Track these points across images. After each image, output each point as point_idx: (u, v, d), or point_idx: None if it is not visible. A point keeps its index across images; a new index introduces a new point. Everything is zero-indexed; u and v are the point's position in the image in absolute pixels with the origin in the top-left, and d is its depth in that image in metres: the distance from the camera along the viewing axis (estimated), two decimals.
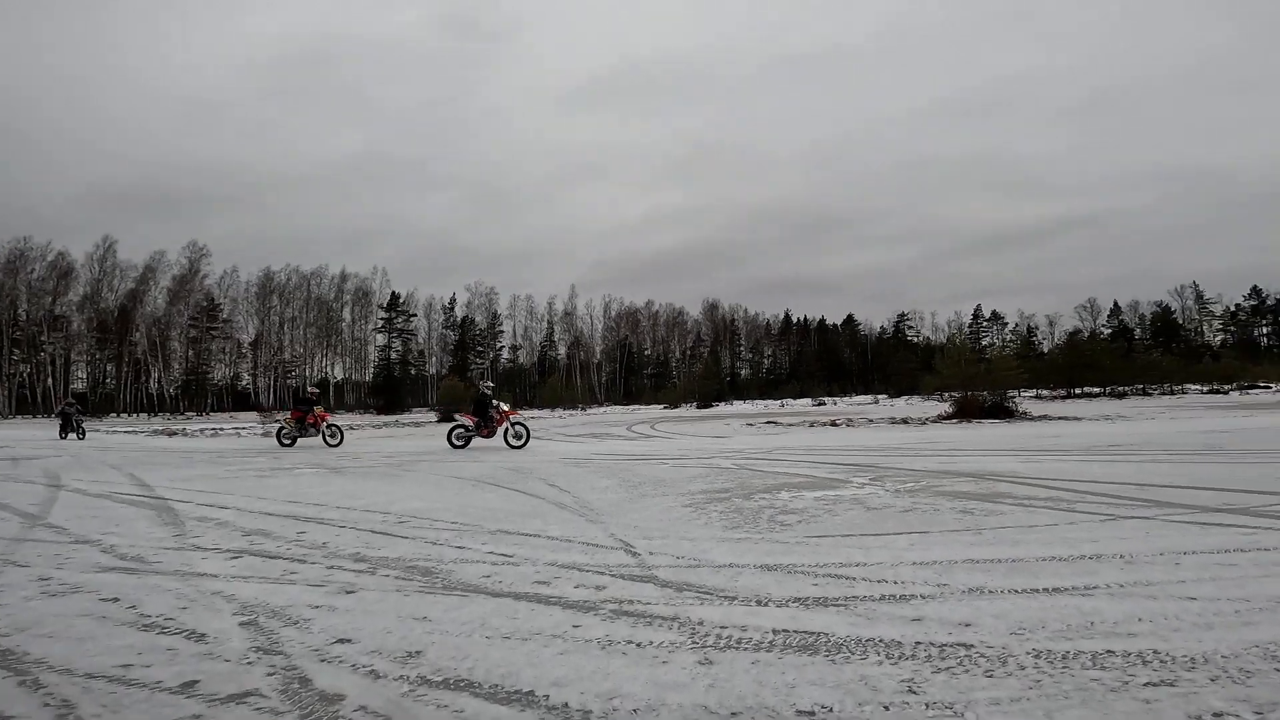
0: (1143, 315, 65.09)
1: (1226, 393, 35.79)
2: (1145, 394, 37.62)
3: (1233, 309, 62.96)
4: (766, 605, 2.80)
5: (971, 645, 2.21)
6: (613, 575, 3.47)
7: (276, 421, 18.57)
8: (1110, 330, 63.49)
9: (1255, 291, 62.16)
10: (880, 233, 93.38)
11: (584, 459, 11.09)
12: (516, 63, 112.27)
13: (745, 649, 2.31)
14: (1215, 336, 62.36)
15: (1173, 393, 37.50)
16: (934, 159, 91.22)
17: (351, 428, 28.90)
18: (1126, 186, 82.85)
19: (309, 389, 17.87)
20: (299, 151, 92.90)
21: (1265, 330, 61.61)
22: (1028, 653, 2.12)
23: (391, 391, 61.20)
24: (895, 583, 3.02)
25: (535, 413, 47.96)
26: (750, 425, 22.21)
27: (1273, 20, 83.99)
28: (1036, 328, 66.78)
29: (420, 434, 24.61)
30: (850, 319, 76.83)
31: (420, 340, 70.21)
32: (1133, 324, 64.55)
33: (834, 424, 19.83)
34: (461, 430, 13.84)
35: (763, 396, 54.89)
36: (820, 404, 43.83)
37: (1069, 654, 2.08)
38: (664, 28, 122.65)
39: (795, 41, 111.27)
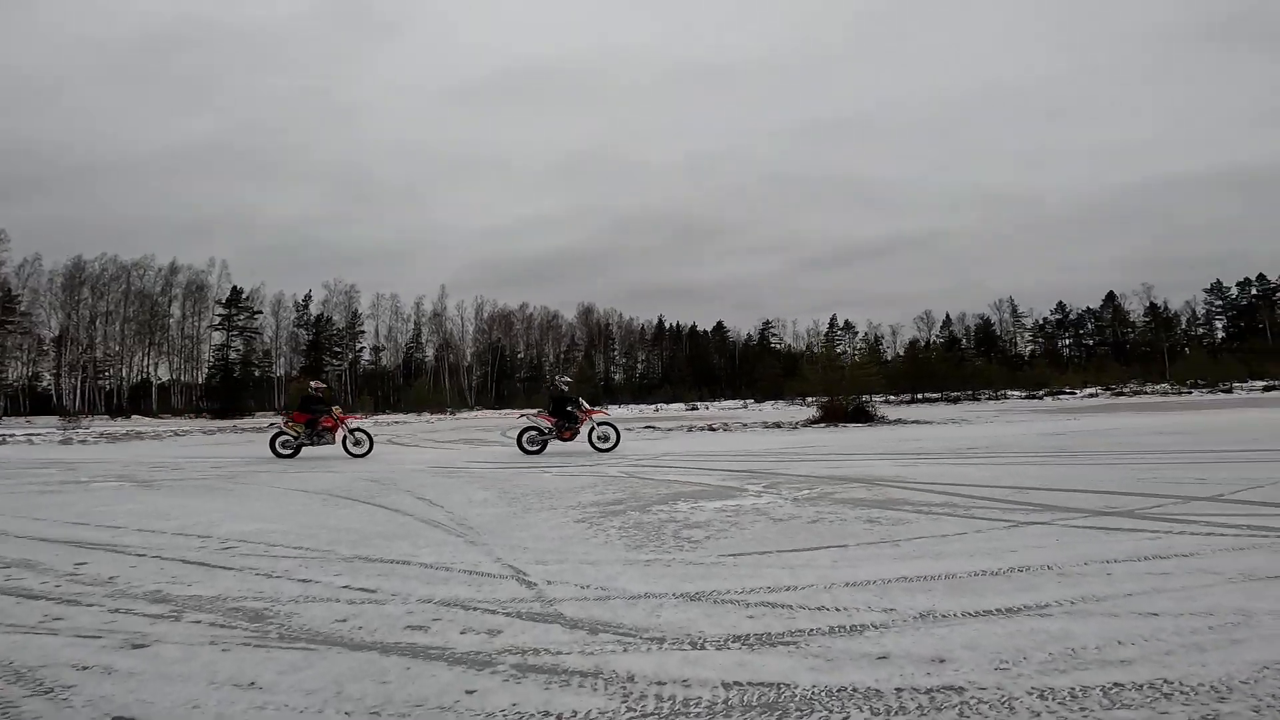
0: (968, 327, 72.85)
1: (1041, 397, 40.75)
2: (975, 399, 41.95)
3: (1041, 322, 72.12)
4: (703, 648, 2.33)
5: (962, 689, 1.87)
6: (508, 614, 2.86)
7: (274, 425, 13.83)
8: (942, 340, 70.48)
9: (1060, 306, 71.62)
10: (748, 244, 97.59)
11: (458, 467, 10.19)
12: (403, 58, 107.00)
13: (697, 716, 1.81)
14: (1027, 347, 71.06)
15: (997, 397, 42.11)
16: (799, 176, 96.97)
17: (176, 434, 25.37)
18: (956, 207, 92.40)
19: (313, 385, 13.90)
20: (135, 137, 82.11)
21: (1068, 341, 71.13)
22: (1029, 693, 1.81)
23: (230, 394, 55.09)
24: (837, 610, 2.67)
25: (399, 416, 45.02)
26: (629, 430, 21.97)
27: (1079, 54, 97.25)
28: (882, 337, 72.69)
29: (262, 440, 21.94)
30: (720, 326, 79.61)
31: (266, 339, 63.97)
32: (960, 335, 72.07)
33: (712, 429, 20.05)
34: (535, 433, 12.28)
35: (636, 401, 55.32)
36: (693, 408, 44.79)
37: (1076, 691, 1.79)
38: (559, 32, 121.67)
39: (687, 54, 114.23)
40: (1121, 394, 40.91)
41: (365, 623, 2.80)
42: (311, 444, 12.54)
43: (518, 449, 12.05)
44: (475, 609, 2.96)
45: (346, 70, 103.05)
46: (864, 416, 19.61)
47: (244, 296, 62.30)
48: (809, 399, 36.37)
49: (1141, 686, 1.80)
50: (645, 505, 5.89)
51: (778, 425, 20.05)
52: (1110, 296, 68.90)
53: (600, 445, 11.95)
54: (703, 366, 71.83)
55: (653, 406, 48.74)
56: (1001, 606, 2.56)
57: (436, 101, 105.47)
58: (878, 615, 2.56)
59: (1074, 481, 5.89)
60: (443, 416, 45.10)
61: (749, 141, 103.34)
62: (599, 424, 12.18)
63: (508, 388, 68.45)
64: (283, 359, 64.66)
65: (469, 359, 69.78)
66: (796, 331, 78.21)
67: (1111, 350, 64.22)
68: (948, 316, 73.54)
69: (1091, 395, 40.92)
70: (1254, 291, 62.68)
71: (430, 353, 69.75)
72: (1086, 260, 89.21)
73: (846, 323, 76.04)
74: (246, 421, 42.11)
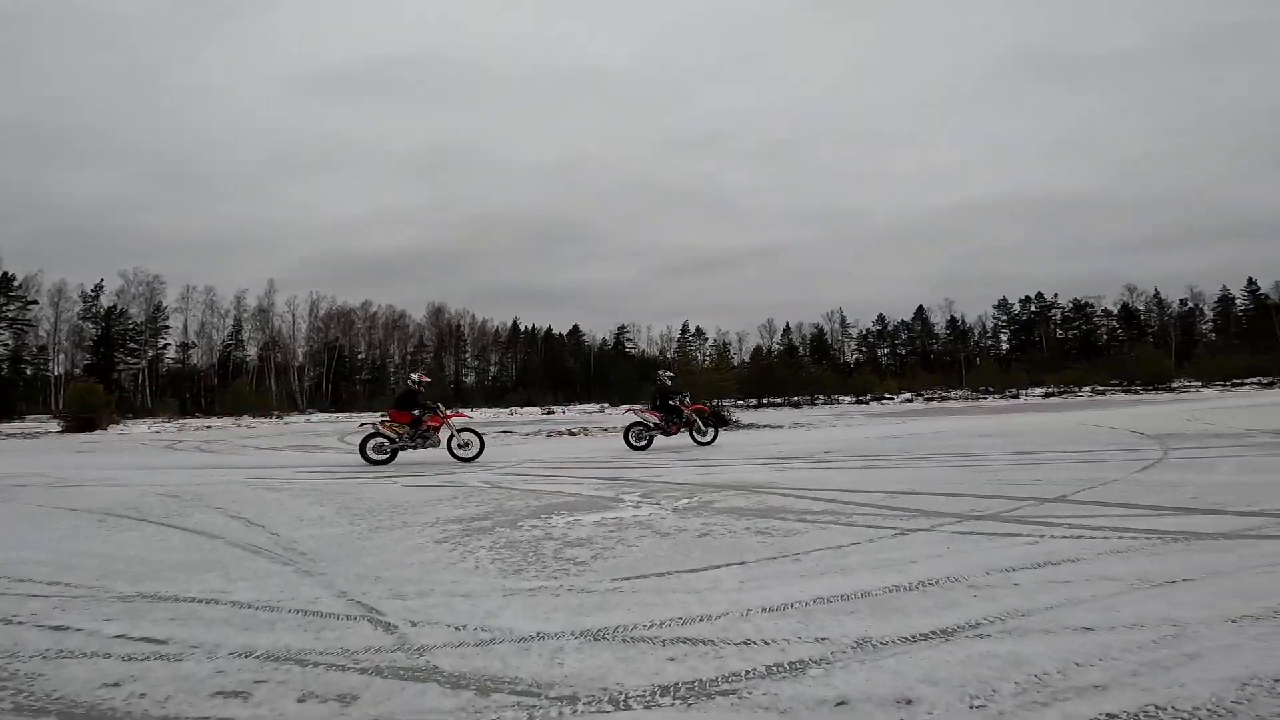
0: (805, 336, 78.68)
1: (867, 402, 44.75)
2: (813, 403, 45.18)
3: (865, 332, 79.52)
4: (628, 707, 1.89)
5: None
6: (363, 669, 2.24)
7: (368, 425, 11.38)
8: (782, 347, 75.50)
9: (880, 318, 79.41)
10: (608, 249, 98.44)
11: (285, 478, 8.88)
12: (253, 44, 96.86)
13: None
14: (853, 355, 78.02)
15: (831, 402, 45.66)
16: (661, 185, 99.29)
17: None
18: (802, 221, 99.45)
19: (415, 379, 11.62)
20: None
21: (886, 351, 79.01)
22: None
23: None
24: (766, 643, 2.34)
25: (212, 420, 39.74)
26: (485, 434, 20.91)
27: (915, 81, 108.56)
28: (729, 344, 76.36)
29: (32, 448, 18.06)
30: (576, 329, 79.30)
31: (42, 333, 54.20)
32: (798, 343, 77.65)
33: (572, 434, 19.58)
34: (641, 428, 12.37)
35: (489, 404, 53.41)
36: (549, 412, 44.01)
37: None
38: (426, 26, 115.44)
39: (560, 57, 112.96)
40: (931, 399, 45.99)
41: (151, 688, 2.07)
42: (414, 447, 10.76)
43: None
44: (316, 664, 2.30)
45: (184, 50, 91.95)
46: (721, 421, 20.11)
47: (15, 284, 52.46)
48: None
49: (1137, 716, 1.63)
50: (516, 520, 5.33)
51: None
52: (920, 310, 77.66)
53: (700, 439, 12.39)
54: (558, 370, 71.15)
55: (507, 410, 47.30)
56: (935, 628, 2.37)
57: (288, 89, 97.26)
58: (813, 647, 2.27)
59: (931, 484, 6.14)
60: (267, 420, 40.54)
61: (616, 148, 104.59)
62: (701, 418, 12.63)
63: (346, 389, 63.39)
64: (62, 355, 55.15)
65: (300, 359, 63.68)
66: (651, 336, 79.94)
67: (920, 359, 72.17)
68: (788, 325, 78.84)
69: (907, 400, 45.57)
70: (1033, 308, 73.52)
71: (253, 351, 62.83)
72: (904, 275, 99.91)
73: (698, 329, 78.93)
74: (13, 426, 35.18)
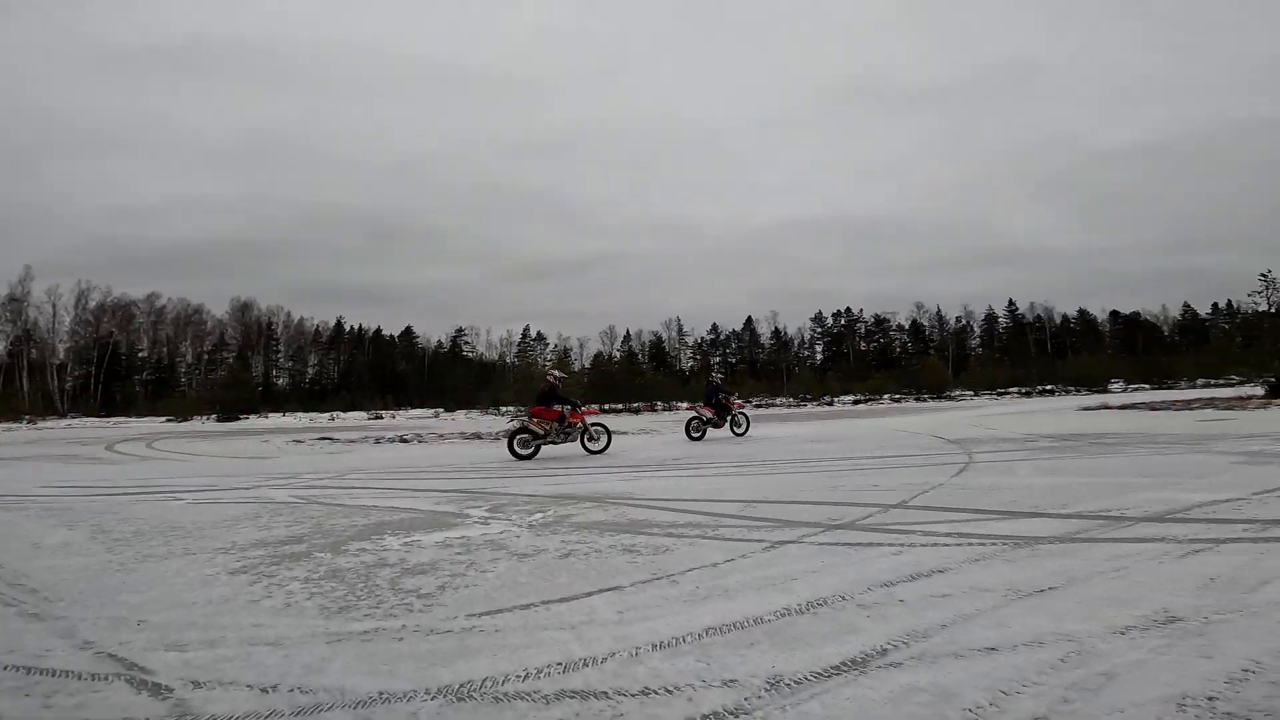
0: (644, 343, 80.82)
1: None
2: (653, 409, 46.21)
3: (699, 341, 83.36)
4: None
5: None
6: None
7: (519, 421, 11.84)
8: (623, 354, 76.90)
9: (714, 328, 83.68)
10: (450, 250, 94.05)
11: (24, 494, 7.10)
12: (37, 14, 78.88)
13: None
14: (689, 363, 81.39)
15: (670, 408, 47.00)
16: (510, 188, 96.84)
17: None
18: (639, 231, 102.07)
19: (557, 375, 12.29)
20: None
21: (718, 359, 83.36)
22: None
23: None
24: (670, 691, 1.99)
25: None
26: (299, 442, 18.67)
27: (753, 102, 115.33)
28: (570, 349, 76.28)
29: None
30: (409, 331, 74.80)
31: None
32: (638, 350, 79.55)
33: (404, 440, 18.07)
34: (698, 421, 14.08)
35: (306, 409, 48.44)
36: (377, 417, 40.81)
37: None
38: (268, 13, 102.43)
39: (411, 48, 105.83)
40: (760, 405, 49.09)
41: None
42: (557, 442, 11.30)
43: (683, 436, 13.76)
44: None
45: None
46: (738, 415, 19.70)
47: None
48: (505, 408, 35.87)
49: None
50: (339, 543, 4.56)
51: (479, 436, 19.02)
52: (749, 321, 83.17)
53: (735, 430, 14.30)
54: (388, 373, 66.49)
55: (327, 415, 43.16)
56: (845, 659, 2.17)
57: (76, 64, 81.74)
58: (724, 693, 1.95)
59: (783, 492, 6.21)
60: (15, 426, 33.41)
61: (466, 149, 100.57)
62: (740, 412, 14.64)
63: (124, 391, 54.42)
64: None
65: (62, 355, 53.63)
66: (490, 340, 77.62)
67: (749, 367, 77.08)
68: (628, 332, 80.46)
69: (739, 407, 48.21)
70: (843, 322, 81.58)
71: (1, 346, 51.93)
72: (736, 287, 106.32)
73: (539, 334, 78.01)
74: None
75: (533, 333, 77.97)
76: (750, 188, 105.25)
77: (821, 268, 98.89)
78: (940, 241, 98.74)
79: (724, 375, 16.71)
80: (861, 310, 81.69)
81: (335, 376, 67.59)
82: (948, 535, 3.99)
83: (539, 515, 5.48)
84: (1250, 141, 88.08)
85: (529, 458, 10.87)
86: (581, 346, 77.26)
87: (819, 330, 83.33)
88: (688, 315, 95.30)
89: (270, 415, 43.19)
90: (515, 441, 11.17)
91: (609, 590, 3.17)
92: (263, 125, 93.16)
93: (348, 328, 71.93)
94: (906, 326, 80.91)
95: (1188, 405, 20.08)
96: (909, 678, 1.99)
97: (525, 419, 11.50)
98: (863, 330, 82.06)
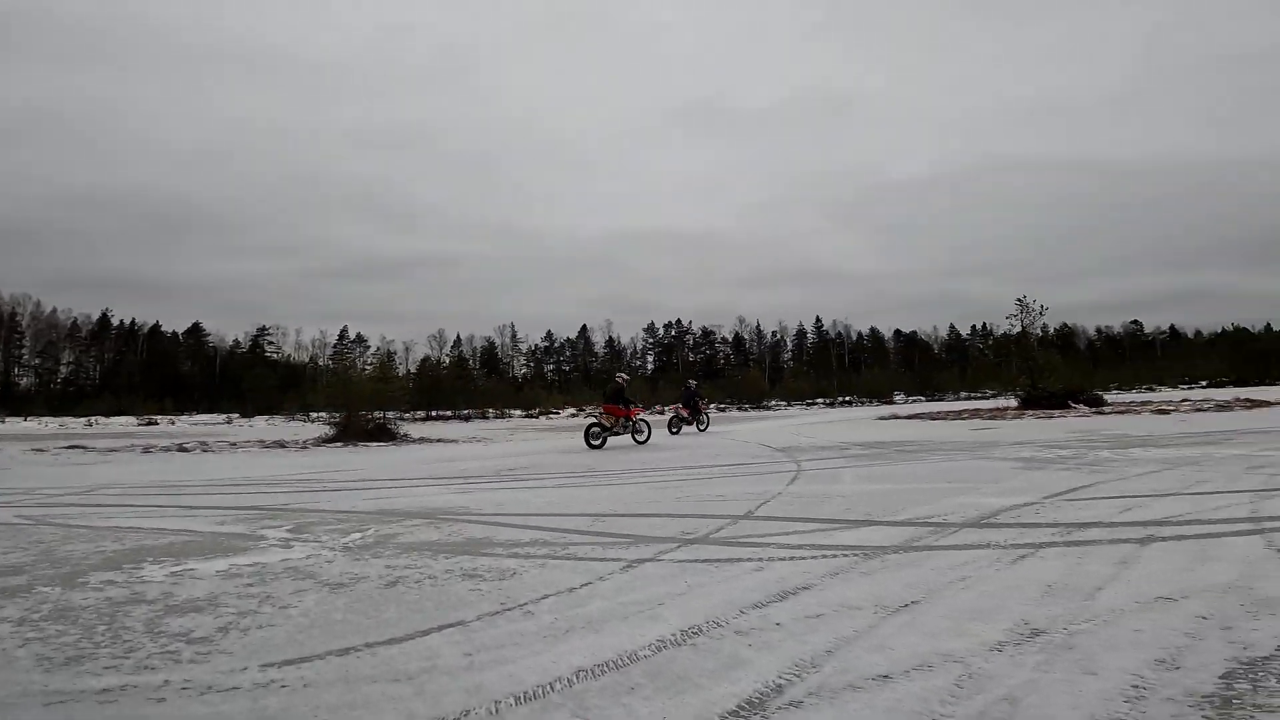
0: (476, 348, 78.14)
1: (536, 416, 45.78)
2: (484, 416, 44.53)
3: (534, 347, 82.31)
4: None
5: None
6: None
7: (593, 417, 15.29)
8: (452, 359, 73.65)
9: (549, 335, 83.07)
10: (250, 242, 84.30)
11: None
12: None
13: None
14: (522, 370, 79.96)
15: (502, 415, 45.63)
16: (325, 181, 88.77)
17: None
18: (477, 235, 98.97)
19: (623, 377, 14.64)
20: None
21: (552, 367, 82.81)
22: None
23: None
24: None
25: None
26: (40, 450, 15.28)
27: (606, 115, 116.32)
28: (395, 352, 71.59)
29: None
30: (197, 327, 65.59)
31: None
32: (469, 355, 76.67)
33: (184, 449, 15.44)
34: (679, 420, 18.06)
35: (56, 414, 40.34)
36: (150, 423, 35.01)
37: None
38: None
39: (226, 30, 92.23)
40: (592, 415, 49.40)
41: None
42: (620, 433, 13.59)
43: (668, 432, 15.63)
44: None
45: None
46: (387, 435, 18.19)
47: None
48: (316, 414, 32.54)
49: None
50: (74, 574, 3.57)
51: (282, 444, 16.88)
52: (583, 329, 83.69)
53: (701, 429, 17.78)
54: (168, 374, 57.60)
55: (84, 420, 36.25)
56: (741, 701, 1.89)
57: None
58: None
59: (628, 504, 5.98)
60: None
61: (286, 138, 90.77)
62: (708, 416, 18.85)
63: None
64: None
65: None
66: (300, 341, 70.72)
67: (582, 375, 77.49)
68: (459, 337, 77.32)
69: (572, 415, 48.11)
70: (673, 333, 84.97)
71: None
72: (572, 295, 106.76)
73: (359, 336, 72.53)
74: None
75: (351, 334, 72.25)
76: (600, 197, 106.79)
77: (654, 278, 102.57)
78: (758, 259, 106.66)
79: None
80: (691, 322, 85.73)
81: (97, 377, 57.43)
82: (800, 547, 3.95)
83: (356, 535, 4.73)
84: (1005, 178, 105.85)
85: (599, 448, 12.69)
86: (408, 350, 73.08)
87: (651, 340, 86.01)
88: (523, 321, 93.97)
89: (8, 420, 35.43)
90: (589, 434, 13.22)
91: (451, 626, 2.66)
92: (30, 99, 77.52)
93: (116, 322, 61.51)
94: (730, 339, 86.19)
95: (959, 415, 23.26)
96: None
97: (598, 415, 13.90)
98: (691, 342, 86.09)
